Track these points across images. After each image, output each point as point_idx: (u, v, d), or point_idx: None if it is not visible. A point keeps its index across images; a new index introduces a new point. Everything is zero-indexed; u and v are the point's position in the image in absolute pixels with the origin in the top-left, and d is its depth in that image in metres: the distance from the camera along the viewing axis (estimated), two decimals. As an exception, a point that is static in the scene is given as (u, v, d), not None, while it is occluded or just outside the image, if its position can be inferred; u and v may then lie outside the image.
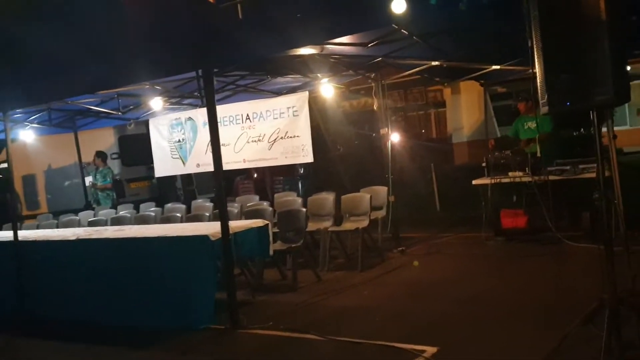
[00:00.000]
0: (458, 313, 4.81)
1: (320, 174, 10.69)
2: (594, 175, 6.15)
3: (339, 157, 11.86)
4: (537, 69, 3.46)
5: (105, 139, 12.45)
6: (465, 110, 16.83)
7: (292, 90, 8.61)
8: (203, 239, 5.21)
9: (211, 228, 5.42)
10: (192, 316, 5.15)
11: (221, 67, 6.41)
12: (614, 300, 3.37)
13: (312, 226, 6.99)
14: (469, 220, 8.05)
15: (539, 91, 3.47)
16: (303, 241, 6.36)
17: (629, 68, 12.75)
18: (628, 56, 8.91)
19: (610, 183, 6.62)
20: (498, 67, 7.88)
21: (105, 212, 8.97)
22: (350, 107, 14.51)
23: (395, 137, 8.07)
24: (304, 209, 6.65)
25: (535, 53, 3.45)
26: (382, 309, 5.20)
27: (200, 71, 6.25)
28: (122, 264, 5.61)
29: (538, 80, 3.47)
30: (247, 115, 8.13)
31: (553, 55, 3.37)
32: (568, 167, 6.91)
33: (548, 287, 5.21)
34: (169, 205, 8.84)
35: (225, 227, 5.02)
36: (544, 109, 3.47)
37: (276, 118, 7.85)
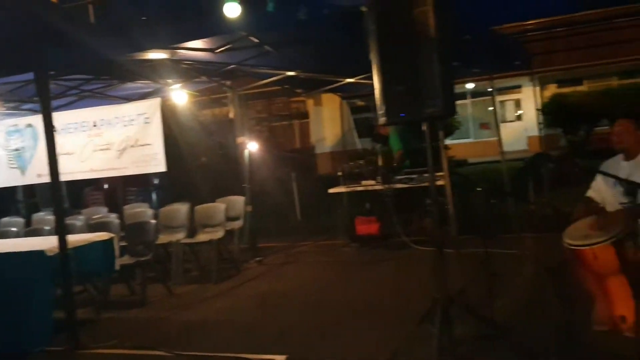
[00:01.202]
0: (309, 320, 4.87)
1: (178, 184, 10.37)
2: (438, 183, 6.65)
3: (200, 167, 11.60)
4: (376, 82, 3.61)
5: None
6: (327, 121, 17.44)
7: (144, 96, 8.28)
8: (38, 254, 4.80)
9: (49, 243, 5.01)
10: (26, 338, 4.70)
11: (58, 70, 5.97)
12: (445, 299, 3.59)
13: (163, 239, 6.73)
14: (328, 228, 8.26)
15: (377, 103, 3.62)
16: (154, 254, 6.10)
17: (472, 85, 13.89)
18: (468, 74, 9.75)
19: (446, 190, 7.20)
20: (352, 80, 8.18)
21: None
22: (212, 116, 14.35)
23: (253, 146, 8.04)
24: (154, 221, 6.39)
25: (374, 66, 3.60)
26: (235, 320, 5.13)
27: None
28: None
29: (376, 93, 3.62)
30: (94, 122, 7.69)
31: (389, 69, 3.53)
32: (415, 176, 7.32)
33: (394, 290, 5.45)
34: (5, 219, 8.06)
35: (62, 242, 4.66)
36: (382, 120, 3.63)
37: (126, 125, 7.50)
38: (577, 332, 3.91)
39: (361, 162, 7.74)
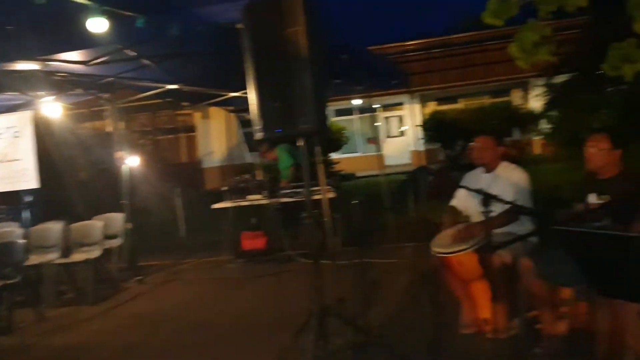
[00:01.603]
0: (189, 339, 4.78)
1: (53, 201, 9.75)
2: (320, 196, 6.79)
3: (78, 184, 11.00)
4: (252, 98, 3.65)
5: None
6: (216, 135, 17.26)
7: (13, 108, 7.74)
8: None
9: None
10: None
11: None
12: (321, 310, 3.68)
13: (34, 259, 6.30)
14: (214, 244, 8.13)
15: (254, 118, 3.66)
16: (23, 277, 5.68)
17: (360, 101, 14.25)
18: (351, 91, 10.10)
19: (332, 203, 7.38)
20: (237, 94, 8.18)
21: None
22: (92, 129, 13.71)
23: (133, 161, 7.76)
24: (23, 241, 5.98)
25: (250, 82, 3.64)
26: (111, 342, 4.91)
27: None
28: None
29: (254, 108, 3.66)
30: (-43, 135, 7.09)
31: (265, 85, 3.58)
32: (300, 190, 7.43)
33: (276, 304, 5.47)
34: None
35: None
36: (259, 135, 3.67)
37: (-7, 139, 6.98)
38: (447, 335, 4.17)
39: (247, 176, 7.71)
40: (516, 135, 18.12)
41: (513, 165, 4.34)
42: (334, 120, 22.28)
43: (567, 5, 3.59)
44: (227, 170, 14.97)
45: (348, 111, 20.85)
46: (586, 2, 3.61)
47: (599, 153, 3.52)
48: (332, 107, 22.02)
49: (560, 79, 12.59)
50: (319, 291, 3.69)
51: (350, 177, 17.24)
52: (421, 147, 20.56)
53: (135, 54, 5.55)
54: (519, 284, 3.94)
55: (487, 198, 3.38)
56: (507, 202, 3.56)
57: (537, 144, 17.67)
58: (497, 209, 4.00)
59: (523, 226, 4.06)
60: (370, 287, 5.49)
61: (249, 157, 16.81)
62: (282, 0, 3.40)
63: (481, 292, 4.12)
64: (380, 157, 10.85)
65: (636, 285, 1.95)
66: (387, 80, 8.38)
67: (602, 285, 2.20)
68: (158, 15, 3.97)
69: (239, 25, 3.73)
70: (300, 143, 3.76)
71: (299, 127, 3.48)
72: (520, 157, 15.46)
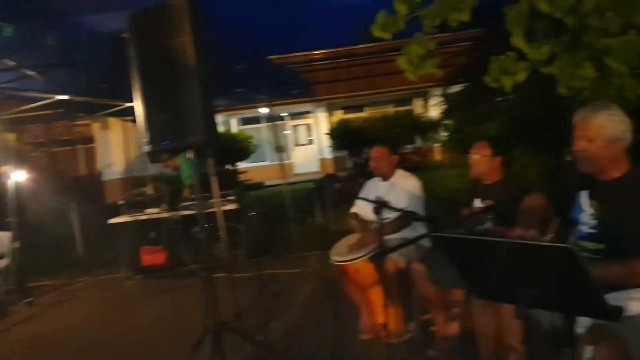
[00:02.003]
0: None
1: None
2: (224, 208, 6.67)
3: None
4: (139, 109, 3.53)
5: None
6: (116, 146, 16.57)
7: None
8: None
9: None
10: None
11: None
12: (217, 326, 3.60)
13: None
14: (112, 260, 7.77)
15: (141, 130, 3.54)
16: None
17: (266, 110, 14.09)
18: (254, 100, 10.07)
19: (235, 214, 7.30)
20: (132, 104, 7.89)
21: None
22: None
23: (21, 176, 7.27)
24: None
25: (137, 94, 3.51)
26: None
27: None
28: None
29: (140, 120, 3.54)
30: None
31: (152, 96, 3.48)
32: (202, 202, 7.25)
33: (175, 320, 5.32)
34: None
35: None
36: (146, 148, 3.55)
37: None
38: (346, 342, 4.21)
39: (144, 189, 7.42)
40: (418, 142, 18.82)
41: (407, 174, 4.47)
42: (241, 128, 22.13)
43: (450, 19, 3.74)
44: (129, 183, 14.40)
45: (255, 119, 20.79)
46: (468, 17, 3.79)
47: (481, 160, 3.69)
48: (238, 115, 21.88)
49: (455, 88, 13.21)
50: (213, 306, 3.61)
51: (258, 186, 17.16)
52: (329, 155, 20.85)
53: (15, 63, 5.20)
54: (413, 289, 4.07)
55: (379, 206, 3.45)
56: (397, 210, 3.66)
57: (437, 151, 18.43)
58: (391, 215, 4.11)
59: (416, 232, 4.18)
60: (272, 299, 5.46)
61: (151, 168, 16.31)
62: (168, 9, 3.32)
63: (377, 297, 4.20)
64: (288, 166, 10.81)
65: (506, 287, 2.03)
66: (289, 89, 8.42)
67: (478, 288, 2.29)
68: (34, 24, 3.74)
69: (125, 35, 3.59)
70: (190, 155, 3.68)
71: (187, 139, 3.40)
72: (422, 163, 16.10)
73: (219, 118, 20.34)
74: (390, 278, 4.10)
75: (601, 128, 2.55)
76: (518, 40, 3.62)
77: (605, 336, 2.23)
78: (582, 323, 2.35)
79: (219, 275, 5.81)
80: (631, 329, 2.26)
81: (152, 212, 7.15)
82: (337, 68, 20.62)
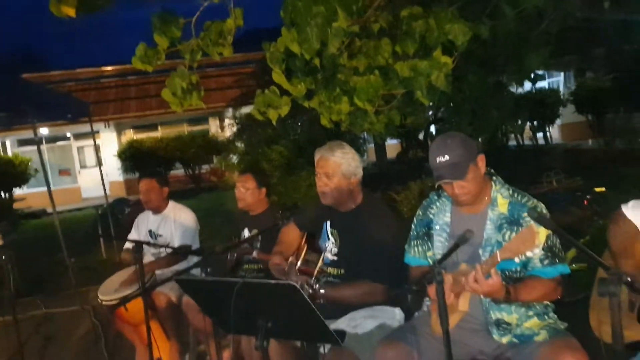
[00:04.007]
0: None
1: None
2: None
3: None
4: None
5: None
6: None
7: None
8: None
9: None
10: None
11: None
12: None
13: None
14: None
15: None
16: None
17: (46, 130, 12.89)
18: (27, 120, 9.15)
19: (4, 249, 6.56)
20: None
21: None
22: None
23: None
24: None
25: None
26: None
27: None
28: None
29: None
30: None
31: None
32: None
33: None
34: None
35: None
36: None
37: None
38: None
39: None
40: (215, 162, 18.88)
41: (180, 206, 4.45)
42: (17, 151, 20.07)
43: (212, 53, 3.83)
44: None
45: (34, 141, 18.97)
46: (231, 52, 3.92)
47: (246, 192, 3.83)
48: (13, 135, 19.80)
49: (247, 109, 13.53)
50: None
51: (39, 214, 15.70)
52: (120, 177, 19.88)
53: None
54: (187, 321, 4.07)
55: (140, 244, 3.36)
56: (162, 246, 3.64)
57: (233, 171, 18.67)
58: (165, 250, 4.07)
59: (189, 264, 4.18)
60: (45, 342, 5.04)
61: None
62: None
63: (152, 333, 4.11)
64: (75, 190, 10.07)
65: (246, 321, 2.14)
66: (63, 110, 7.85)
67: (223, 323, 2.36)
68: None
69: None
70: None
71: None
72: (219, 183, 16.12)
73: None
74: (163, 312, 4.05)
75: (338, 165, 2.84)
76: (277, 77, 3.83)
77: (340, 355, 2.46)
78: (327, 345, 2.57)
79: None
80: (362, 346, 2.53)
81: None
82: (128, 86, 19.86)
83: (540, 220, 2.01)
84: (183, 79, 3.71)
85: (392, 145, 16.11)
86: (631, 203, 2.33)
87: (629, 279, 1.72)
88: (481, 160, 2.36)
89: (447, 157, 2.31)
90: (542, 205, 2.37)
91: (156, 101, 19.18)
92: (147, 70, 3.70)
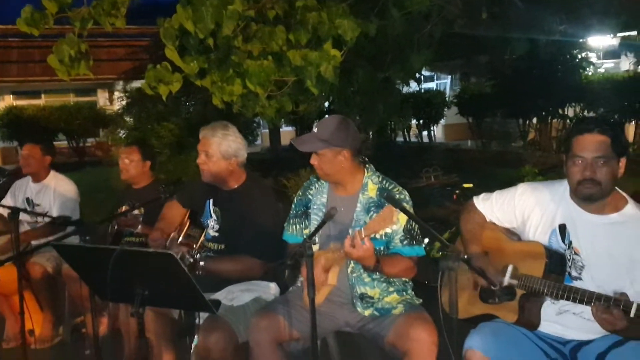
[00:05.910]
0: None
1: None
2: None
3: None
4: None
5: None
6: None
7: None
8: None
9: None
10: None
11: None
12: None
13: None
14: None
15: None
16: None
17: None
18: None
19: None
20: None
21: None
22: None
23: None
24: None
25: None
26: None
27: None
28: None
29: None
30: None
31: None
32: None
33: None
34: None
35: None
36: None
37: None
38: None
39: None
40: (102, 136, 18.06)
41: (61, 176, 4.33)
42: None
43: (103, 23, 3.77)
44: None
45: None
46: (124, 24, 3.86)
47: (130, 164, 3.81)
48: None
49: (138, 84, 13.09)
50: None
51: None
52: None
53: None
54: (63, 292, 4.00)
55: (16, 211, 3.26)
56: (40, 214, 3.56)
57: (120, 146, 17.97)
58: (43, 220, 3.95)
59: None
60: None
61: None
62: None
63: (24, 304, 4.00)
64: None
65: (123, 289, 2.20)
66: None
67: (100, 290, 2.41)
68: None
69: None
70: None
71: None
72: (105, 158, 15.45)
73: None
74: (37, 283, 3.95)
75: (218, 145, 2.94)
76: (170, 53, 3.82)
77: (215, 325, 2.59)
78: (204, 315, 2.67)
79: None
80: (237, 317, 2.67)
81: None
82: (9, 48, 18.44)
83: (391, 201, 2.25)
84: (72, 47, 3.63)
85: (288, 132, 16.32)
86: (482, 195, 2.64)
87: (465, 257, 2.00)
88: (347, 153, 2.56)
89: (316, 130, 2.56)
90: (407, 193, 2.62)
91: (40, 67, 17.89)
92: (33, 34, 3.57)
